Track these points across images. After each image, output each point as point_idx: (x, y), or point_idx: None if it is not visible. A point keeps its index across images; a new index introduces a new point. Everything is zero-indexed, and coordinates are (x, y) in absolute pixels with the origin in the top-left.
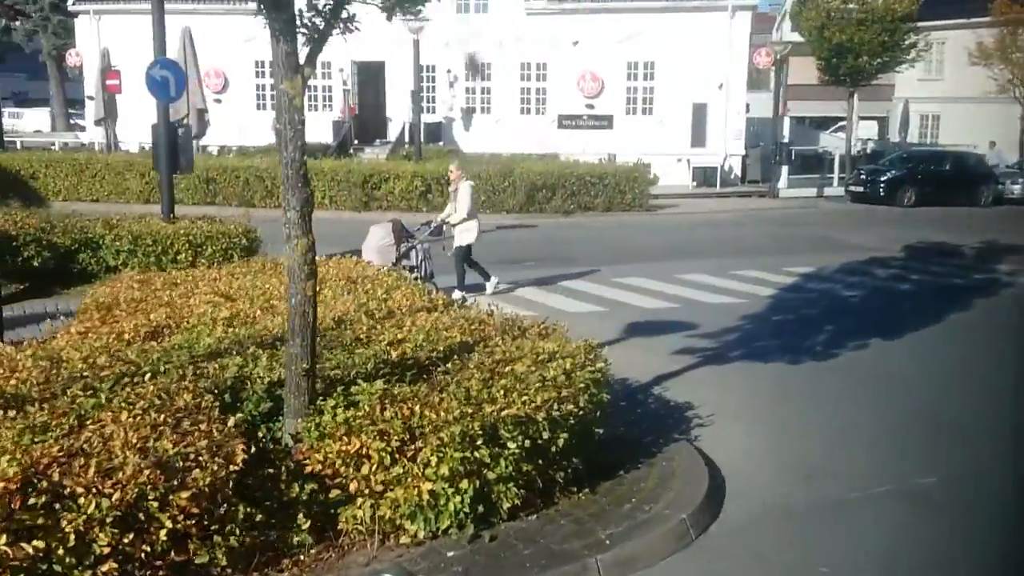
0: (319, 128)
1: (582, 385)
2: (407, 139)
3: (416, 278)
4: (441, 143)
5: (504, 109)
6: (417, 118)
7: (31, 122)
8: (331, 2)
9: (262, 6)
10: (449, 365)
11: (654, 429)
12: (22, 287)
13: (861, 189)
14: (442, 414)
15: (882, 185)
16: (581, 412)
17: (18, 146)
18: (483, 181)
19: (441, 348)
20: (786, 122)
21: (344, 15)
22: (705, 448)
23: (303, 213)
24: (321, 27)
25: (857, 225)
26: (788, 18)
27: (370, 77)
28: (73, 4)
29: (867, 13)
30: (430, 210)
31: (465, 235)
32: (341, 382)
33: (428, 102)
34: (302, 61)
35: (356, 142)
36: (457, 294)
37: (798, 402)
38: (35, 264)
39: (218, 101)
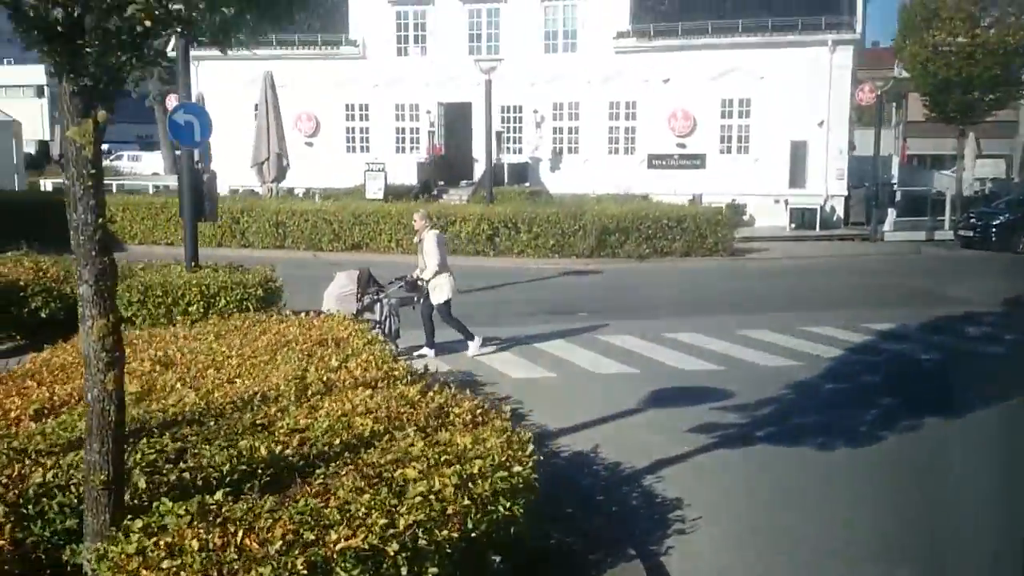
0: (405, 170)
1: (486, 494)
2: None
3: (379, 335)
4: (527, 184)
5: (592, 149)
6: (489, 159)
7: (149, 165)
8: (130, 34)
9: (32, 34)
10: (334, 465)
11: (613, 541)
12: (22, 340)
13: (971, 234)
14: (264, 546)
15: (994, 229)
16: (473, 533)
17: (113, 189)
18: (551, 224)
19: (341, 440)
20: (894, 161)
21: (148, 50)
22: (672, 569)
23: (99, 288)
24: (114, 64)
25: (960, 274)
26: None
27: (458, 118)
28: (173, 50)
29: (976, 47)
30: (496, 254)
31: (437, 292)
32: (184, 488)
33: (514, 143)
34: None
35: (442, 183)
36: (428, 352)
37: (811, 508)
38: (42, 315)
39: (309, 144)
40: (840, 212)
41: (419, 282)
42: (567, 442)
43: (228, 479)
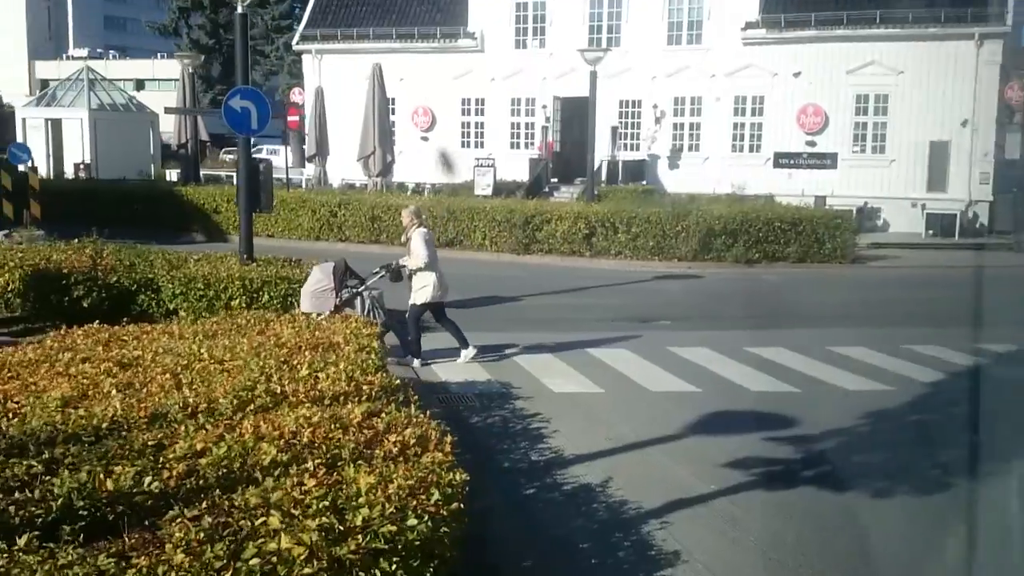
0: (518, 166)
1: (351, 558)
2: (604, 177)
3: None
4: (644, 182)
5: (713, 146)
6: (591, 155)
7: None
8: None
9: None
10: (196, 507)
11: None
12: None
13: None
14: None
15: None
16: None
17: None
18: (652, 224)
19: (231, 471)
20: None
21: None
22: None
23: None
24: None
25: None
26: None
27: (575, 113)
28: (298, 44)
29: None
30: (593, 255)
31: (420, 293)
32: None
33: (632, 139)
34: None
35: (555, 180)
36: (414, 362)
37: None
38: (84, 304)
39: (425, 139)
40: (984, 219)
41: (402, 269)
42: (578, 472)
43: (57, 516)
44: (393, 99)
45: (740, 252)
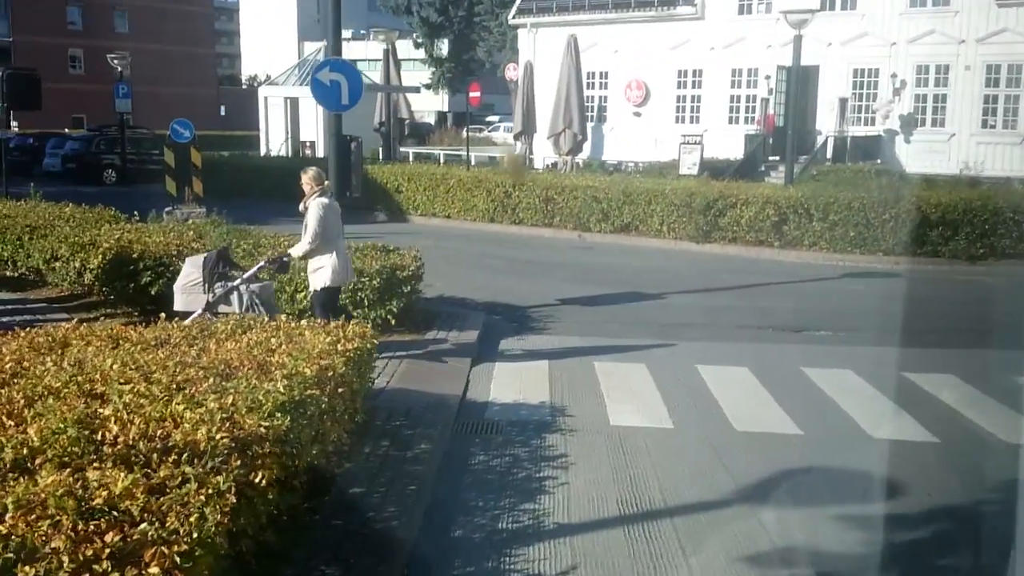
0: (735, 142)
1: None
2: (828, 155)
3: None
4: (879, 161)
5: (961, 122)
6: (791, 131)
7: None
8: None
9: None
10: None
11: None
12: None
13: None
14: None
15: None
16: None
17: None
18: (853, 211)
19: None
20: None
21: None
22: None
23: None
24: None
25: None
26: None
27: (802, 85)
28: (514, 17)
29: None
30: (782, 246)
31: (317, 276)
32: None
33: (865, 112)
34: None
35: (775, 158)
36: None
37: None
38: (152, 292)
39: (637, 115)
40: None
41: (285, 259)
42: (539, 556)
43: None
44: (606, 72)
45: (960, 247)
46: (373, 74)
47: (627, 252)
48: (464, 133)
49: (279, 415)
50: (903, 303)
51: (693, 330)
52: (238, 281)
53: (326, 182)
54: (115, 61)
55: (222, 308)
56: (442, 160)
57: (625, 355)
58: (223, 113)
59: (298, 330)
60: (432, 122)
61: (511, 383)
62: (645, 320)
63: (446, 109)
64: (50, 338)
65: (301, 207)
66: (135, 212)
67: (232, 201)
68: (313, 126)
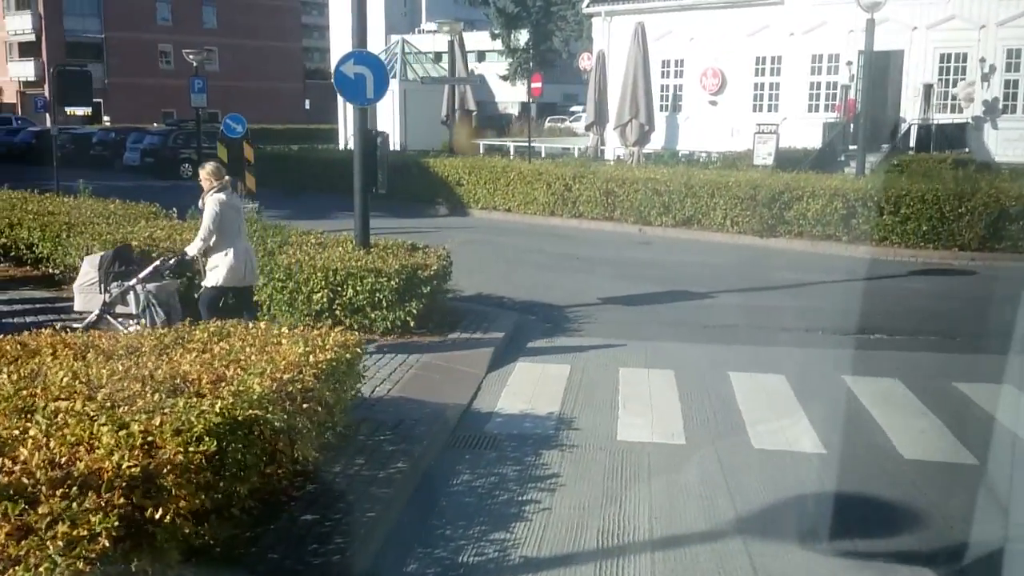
0: (814, 132)
1: None
2: (911, 144)
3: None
4: (966, 150)
5: None
6: (861, 118)
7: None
8: None
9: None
10: None
11: None
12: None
13: None
14: None
15: None
16: None
17: (511, 151)
18: (926, 204)
19: None
20: None
21: None
22: None
23: None
24: None
25: None
26: None
27: (885, 71)
28: (588, 6)
29: None
30: (850, 241)
31: (212, 273)
32: None
33: (951, 98)
34: None
35: (855, 147)
36: None
37: None
38: None
39: (713, 103)
40: None
41: (184, 258)
42: None
43: None
44: (681, 60)
45: None
46: (430, 66)
47: (686, 247)
48: (530, 125)
49: (207, 439)
50: (970, 304)
51: (736, 332)
52: (133, 281)
53: (226, 177)
54: (191, 56)
55: (120, 309)
56: (512, 152)
57: (655, 359)
58: (307, 107)
59: (275, 339)
60: (515, 113)
61: (524, 391)
62: (687, 321)
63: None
64: (19, 345)
65: (200, 203)
66: (174, 208)
67: (300, 195)
68: (390, 119)
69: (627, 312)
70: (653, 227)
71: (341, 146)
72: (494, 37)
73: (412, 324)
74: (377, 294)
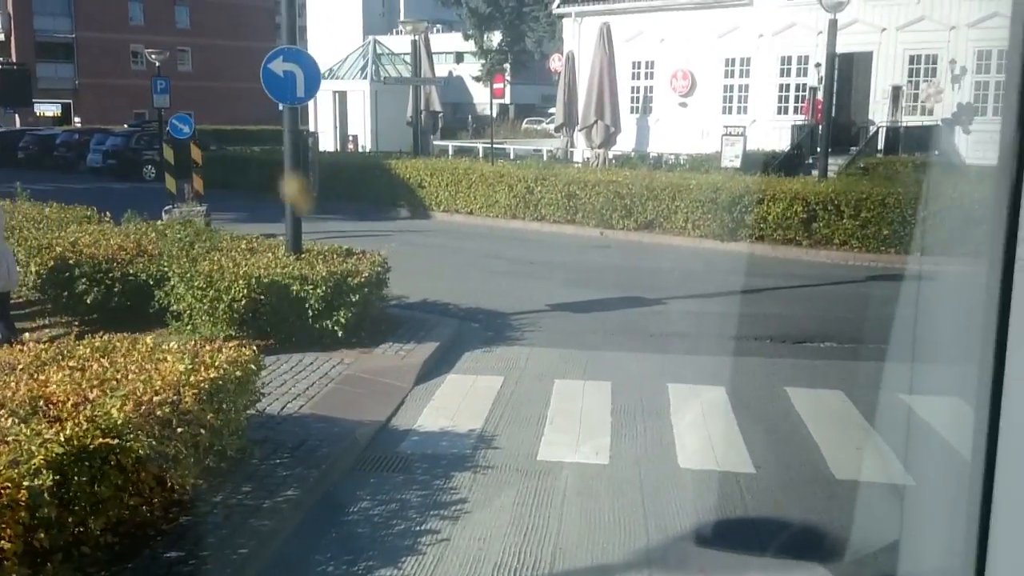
0: (782, 134)
1: None
2: (879, 147)
3: None
4: (936, 152)
5: None
6: (827, 120)
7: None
8: None
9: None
10: None
11: None
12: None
13: None
14: None
15: None
16: None
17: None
18: (887, 208)
19: None
20: None
21: None
22: None
23: None
24: None
25: None
26: None
27: (852, 73)
28: (558, 6)
29: None
30: (811, 245)
31: None
32: None
33: (918, 101)
34: None
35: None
36: None
37: None
38: (87, 301)
39: (683, 105)
40: None
41: None
42: None
43: None
44: (652, 62)
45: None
46: (440, 68)
47: (645, 251)
48: (492, 126)
49: (45, 472)
50: (928, 310)
51: (683, 340)
52: None
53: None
54: (153, 56)
55: None
56: (481, 154)
57: (593, 370)
58: (281, 108)
59: (160, 355)
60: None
61: (449, 405)
62: (634, 328)
63: (508, 101)
64: None
65: None
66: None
67: (263, 198)
68: (361, 119)
69: (574, 320)
70: (615, 230)
71: None
72: (467, 38)
73: (340, 334)
74: (302, 303)
